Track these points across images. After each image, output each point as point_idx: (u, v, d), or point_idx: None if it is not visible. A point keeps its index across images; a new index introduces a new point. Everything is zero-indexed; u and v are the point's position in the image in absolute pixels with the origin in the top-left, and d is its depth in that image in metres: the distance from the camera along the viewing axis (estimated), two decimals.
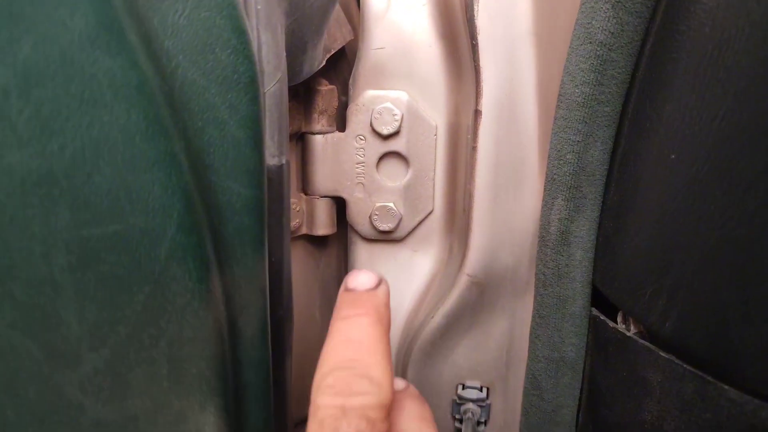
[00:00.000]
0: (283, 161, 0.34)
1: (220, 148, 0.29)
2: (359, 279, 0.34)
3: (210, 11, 0.27)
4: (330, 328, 0.32)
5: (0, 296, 0.23)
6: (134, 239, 0.26)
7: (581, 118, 0.37)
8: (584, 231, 0.39)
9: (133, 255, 0.26)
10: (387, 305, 0.34)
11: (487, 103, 0.41)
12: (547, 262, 0.41)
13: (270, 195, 0.33)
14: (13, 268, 0.23)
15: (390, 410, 0.29)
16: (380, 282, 0.35)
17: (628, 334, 0.37)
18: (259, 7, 0.31)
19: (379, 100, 0.45)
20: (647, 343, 0.36)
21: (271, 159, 0.33)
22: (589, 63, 0.35)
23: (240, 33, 0.29)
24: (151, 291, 0.27)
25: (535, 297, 0.43)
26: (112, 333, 0.26)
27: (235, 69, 0.29)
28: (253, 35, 0.30)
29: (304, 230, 0.47)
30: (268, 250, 0.34)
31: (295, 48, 0.37)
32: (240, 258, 0.31)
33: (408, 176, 0.46)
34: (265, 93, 0.32)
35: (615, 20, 0.34)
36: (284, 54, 0.34)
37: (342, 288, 0.35)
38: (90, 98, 0.24)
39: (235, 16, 0.28)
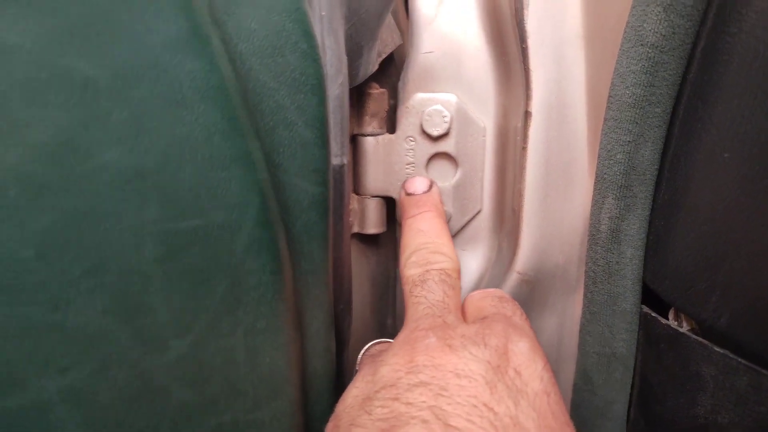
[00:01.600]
0: (344, 161, 0.36)
1: (289, 147, 0.31)
2: (416, 185, 0.44)
3: (280, 16, 0.29)
4: (402, 225, 0.42)
5: (94, 285, 0.25)
6: (214, 234, 0.28)
7: (632, 119, 0.38)
8: (634, 229, 0.40)
9: (214, 248, 0.28)
10: (441, 201, 0.44)
11: (536, 105, 0.42)
12: (597, 259, 0.42)
13: (333, 193, 0.34)
14: (108, 259, 0.25)
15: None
16: (432, 184, 0.44)
17: (680, 330, 0.38)
18: (323, 12, 0.33)
19: (429, 102, 0.46)
20: (701, 339, 0.36)
21: (334, 159, 0.35)
22: (640, 65, 0.36)
23: (308, 37, 0.30)
24: (229, 283, 0.29)
25: (585, 294, 0.43)
26: (195, 321, 0.28)
27: (303, 71, 0.30)
28: (318, 40, 0.32)
29: (355, 229, 0.49)
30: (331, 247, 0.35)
31: (352, 52, 0.39)
32: (307, 253, 0.33)
33: (457, 177, 0.47)
34: (328, 95, 0.33)
35: (666, 23, 0.35)
36: (345, 58, 0.35)
37: (402, 193, 0.44)
38: (176, 99, 0.25)
39: (304, 21, 0.30)
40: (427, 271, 0.37)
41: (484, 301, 0.38)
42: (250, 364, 0.30)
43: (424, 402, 0.28)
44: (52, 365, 0.25)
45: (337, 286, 0.37)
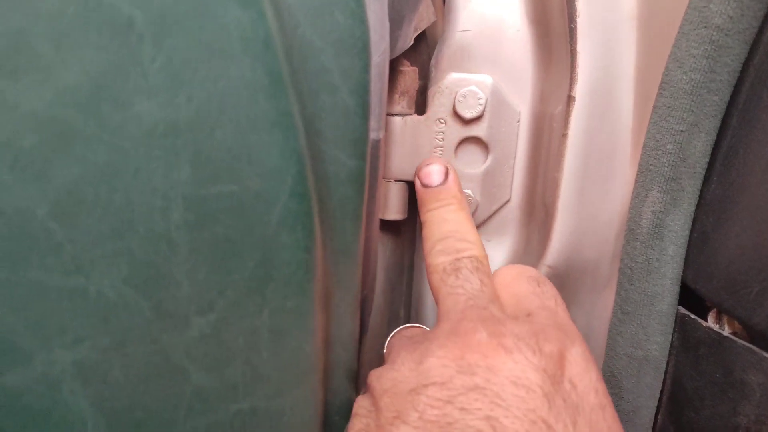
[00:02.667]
0: (381, 135, 0.33)
1: (331, 114, 0.28)
2: (432, 176, 0.41)
3: None
4: (423, 219, 0.40)
5: (115, 251, 0.22)
6: (248, 202, 0.25)
7: (687, 107, 0.35)
8: (679, 225, 0.38)
9: (247, 218, 0.25)
10: (460, 190, 0.41)
11: (581, 90, 0.39)
12: (635, 256, 0.39)
13: (369, 169, 0.32)
14: (133, 222, 0.23)
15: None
16: (448, 172, 0.41)
17: (724, 334, 0.36)
18: None
19: (464, 83, 0.44)
20: (748, 344, 0.34)
21: (371, 132, 0.32)
22: (702, 48, 0.34)
23: None
24: (260, 257, 0.26)
25: (619, 292, 0.41)
26: (220, 298, 0.25)
27: (351, 33, 0.28)
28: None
29: None
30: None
31: (393, 22, 0.36)
32: (340, 231, 0.30)
33: (487, 163, 0.45)
34: (372, 62, 0.31)
35: (735, 4, 0.32)
36: (388, 25, 0.33)
37: (417, 183, 0.41)
38: (220, 49, 0.23)
39: None
40: (457, 259, 0.35)
41: (520, 284, 0.35)
42: (274, 348, 0.28)
43: (479, 410, 0.26)
44: (63, 337, 0.22)
45: (364, 269, 0.34)
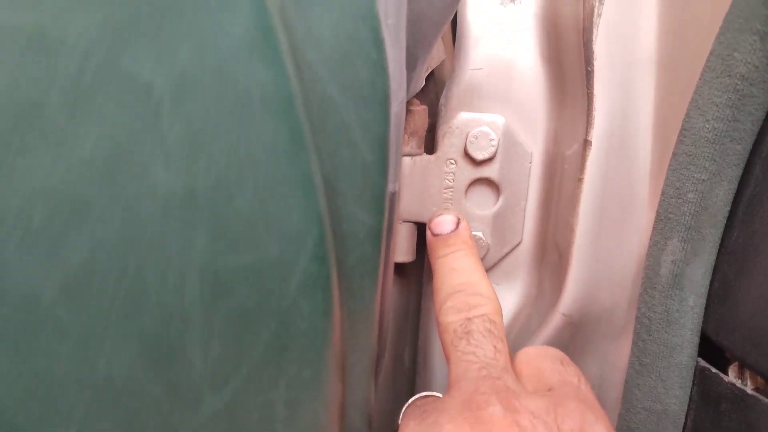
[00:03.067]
0: (397, 187, 0.32)
1: (349, 171, 0.27)
2: (443, 225, 0.40)
3: (354, 21, 0.25)
4: (433, 266, 0.38)
5: (128, 331, 0.21)
6: (266, 270, 0.24)
7: (710, 156, 0.34)
8: (699, 275, 0.37)
9: (264, 287, 0.24)
10: (471, 237, 0.40)
11: (598, 133, 0.38)
12: (654, 306, 0.38)
13: (386, 224, 0.30)
14: (146, 300, 0.21)
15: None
16: (459, 221, 0.40)
17: (748, 391, 0.35)
18: (390, 21, 0.29)
19: (475, 123, 0.42)
20: None
21: (389, 184, 0.31)
22: (725, 97, 0.33)
23: (379, 46, 0.26)
24: (276, 327, 0.24)
25: (636, 342, 0.40)
26: (235, 373, 0.24)
27: (372, 85, 0.26)
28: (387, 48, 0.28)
29: None
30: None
31: (408, 65, 0.35)
32: (357, 291, 0.29)
33: (498, 205, 0.44)
34: (391, 113, 0.29)
35: (762, 53, 0.31)
36: (405, 72, 0.31)
37: (429, 233, 0.41)
38: (241, 112, 0.21)
39: (377, 28, 0.26)
40: (468, 319, 0.34)
41: (543, 362, 0.34)
42: (289, 421, 0.26)
43: None
44: (69, 425, 0.20)
45: (379, 327, 0.33)
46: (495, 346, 0.33)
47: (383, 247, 0.30)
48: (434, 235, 0.41)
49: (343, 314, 0.28)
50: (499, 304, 0.36)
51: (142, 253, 0.20)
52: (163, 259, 0.21)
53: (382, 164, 0.28)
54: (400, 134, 0.32)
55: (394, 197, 0.32)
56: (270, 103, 0.22)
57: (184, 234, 0.21)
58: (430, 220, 0.42)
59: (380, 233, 0.29)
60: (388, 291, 0.34)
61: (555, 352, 0.35)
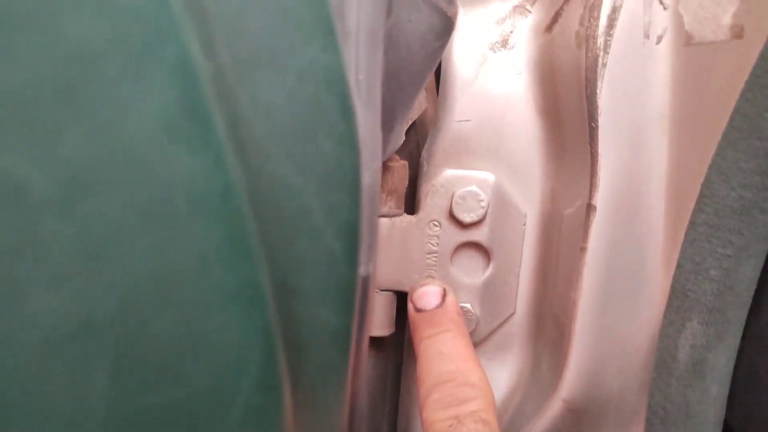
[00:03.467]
0: (370, 270, 0.26)
1: (311, 264, 0.22)
2: (427, 299, 0.36)
3: (316, 87, 0.20)
4: (416, 349, 0.34)
5: None
6: (197, 408, 0.18)
7: (736, 229, 0.29)
8: (722, 362, 0.32)
9: (193, 428, 0.18)
10: (460, 313, 0.35)
11: (603, 197, 0.34)
12: (670, 395, 0.33)
13: (357, 317, 0.25)
14: None
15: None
16: (445, 293, 0.36)
17: None
18: (360, 77, 0.24)
19: (462, 181, 0.37)
20: None
21: (360, 267, 0.26)
22: (754, 162, 0.28)
23: (347, 117, 0.21)
24: None
25: None
26: None
27: (338, 163, 0.21)
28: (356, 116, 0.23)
29: None
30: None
31: (384, 125, 0.30)
32: (319, 405, 0.24)
33: (489, 272, 0.39)
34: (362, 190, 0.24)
35: None
36: (381, 136, 0.26)
37: (411, 308, 0.36)
38: (158, 214, 0.16)
39: (344, 95, 0.21)
40: (457, 418, 0.29)
41: None
42: None
43: None
44: None
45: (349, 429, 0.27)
46: None
47: (353, 348, 0.25)
48: (417, 310, 0.36)
49: None
50: (493, 396, 0.31)
51: (15, 404, 0.15)
52: (46, 411, 0.15)
53: (351, 253, 0.23)
54: (375, 209, 0.27)
55: (367, 282, 0.26)
56: (198, 198, 0.17)
57: (77, 376, 0.16)
58: (412, 291, 0.37)
59: (348, 333, 0.24)
60: (362, 392, 0.28)
61: None
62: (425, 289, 0.36)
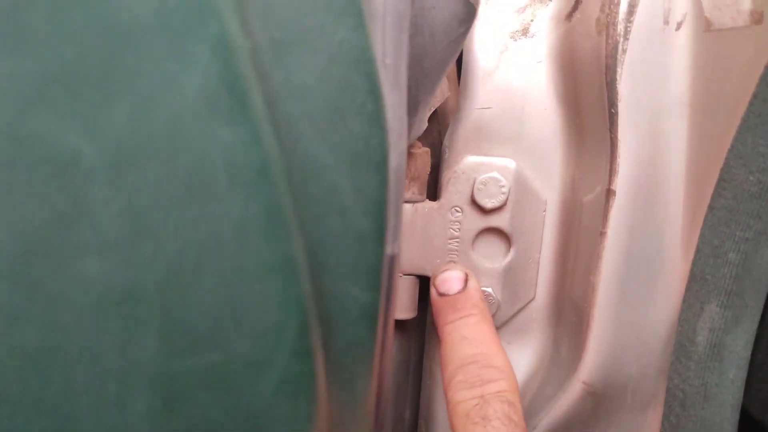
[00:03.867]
0: (396, 249, 0.27)
1: (340, 241, 0.22)
2: (449, 284, 0.36)
3: (346, 68, 0.21)
4: (440, 333, 0.35)
5: None
6: (236, 371, 0.19)
7: (754, 212, 0.30)
8: (740, 345, 0.32)
9: (233, 392, 0.19)
10: (483, 299, 0.36)
11: (622, 182, 0.34)
12: (689, 378, 0.34)
13: (384, 295, 0.26)
14: (77, 417, 0.16)
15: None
16: (467, 278, 0.36)
17: None
18: (387, 61, 0.25)
19: (483, 168, 0.38)
20: None
21: (386, 247, 0.26)
22: None
23: (376, 96, 0.22)
24: None
25: (668, 417, 0.35)
26: None
27: (367, 142, 0.22)
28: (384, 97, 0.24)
29: None
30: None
31: (409, 109, 0.31)
32: (348, 379, 0.24)
33: (509, 257, 0.39)
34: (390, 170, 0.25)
35: None
36: (406, 118, 0.27)
37: (434, 292, 0.37)
38: (200, 185, 0.17)
39: (372, 74, 0.22)
40: (482, 398, 0.30)
41: None
42: None
43: None
44: None
45: (376, 411, 0.28)
46: None
47: (380, 325, 0.25)
48: (440, 294, 0.36)
49: (332, 408, 0.24)
50: (516, 380, 0.32)
51: (69, 362, 0.16)
52: (98, 367, 0.17)
53: (379, 231, 0.23)
54: (401, 190, 0.27)
55: (393, 261, 0.27)
56: (237, 170, 0.18)
57: (126, 336, 0.17)
58: (434, 276, 0.38)
59: (376, 310, 0.25)
60: (388, 370, 0.29)
61: None
62: (447, 274, 0.37)
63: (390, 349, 0.29)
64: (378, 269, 0.24)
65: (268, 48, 0.19)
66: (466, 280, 0.36)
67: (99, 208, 0.16)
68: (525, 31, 0.38)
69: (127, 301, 0.17)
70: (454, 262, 0.39)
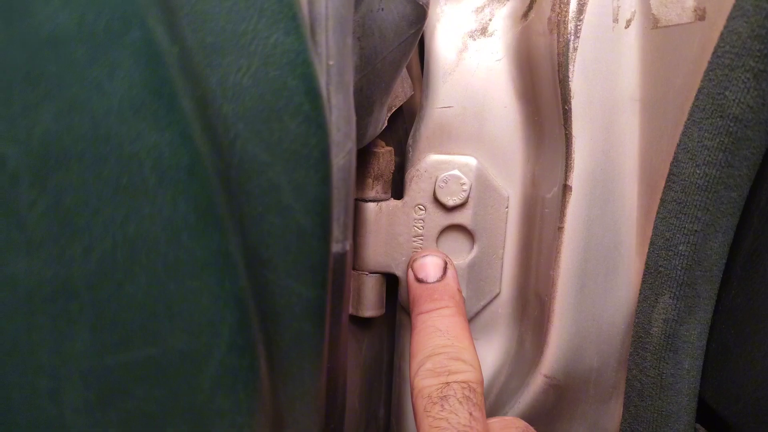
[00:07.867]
0: (347, 247, 0.28)
1: (281, 239, 0.23)
2: (428, 269, 0.36)
3: (280, 70, 0.22)
4: (413, 321, 0.35)
5: None
6: (172, 366, 0.20)
7: (702, 205, 0.30)
8: (694, 335, 0.33)
9: (170, 386, 0.20)
10: (459, 290, 0.36)
11: (578, 178, 0.35)
12: (645, 368, 0.34)
13: (332, 292, 0.27)
14: (11, 410, 0.17)
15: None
16: (446, 266, 0.36)
17: None
18: (331, 62, 0.25)
19: (445, 166, 0.39)
20: None
21: (334, 245, 0.27)
22: (717, 140, 0.29)
23: (313, 97, 0.23)
24: (189, 430, 0.21)
25: (628, 408, 0.36)
26: None
27: (305, 141, 0.23)
28: (324, 98, 0.24)
29: (350, 310, 0.41)
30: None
31: (362, 109, 0.31)
32: (296, 375, 0.25)
33: (473, 253, 0.40)
34: (333, 168, 0.26)
35: (756, 92, 0.28)
36: (354, 117, 0.28)
37: (411, 277, 0.37)
38: (128, 185, 0.18)
39: (309, 76, 0.22)
40: (446, 384, 0.30)
41: None
42: None
43: None
44: None
45: (329, 403, 0.29)
46: (471, 413, 0.29)
47: (329, 321, 0.26)
48: (418, 279, 0.37)
49: (278, 401, 0.25)
50: (482, 377, 0.32)
51: (1, 356, 0.17)
52: (31, 362, 0.17)
53: (320, 229, 0.24)
54: (350, 188, 0.28)
55: (344, 258, 0.28)
56: (166, 170, 0.18)
57: (57, 331, 0.17)
58: (413, 260, 0.38)
59: (322, 306, 0.25)
60: (342, 367, 0.30)
61: (518, 422, 0.32)
62: (427, 259, 0.37)
63: (345, 345, 0.30)
64: (322, 266, 0.25)
65: (200, 52, 0.20)
66: (445, 268, 0.37)
67: (24, 209, 0.16)
68: (484, 30, 0.39)
69: (57, 298, 0.17)
70: (435, 248, 0.39)
